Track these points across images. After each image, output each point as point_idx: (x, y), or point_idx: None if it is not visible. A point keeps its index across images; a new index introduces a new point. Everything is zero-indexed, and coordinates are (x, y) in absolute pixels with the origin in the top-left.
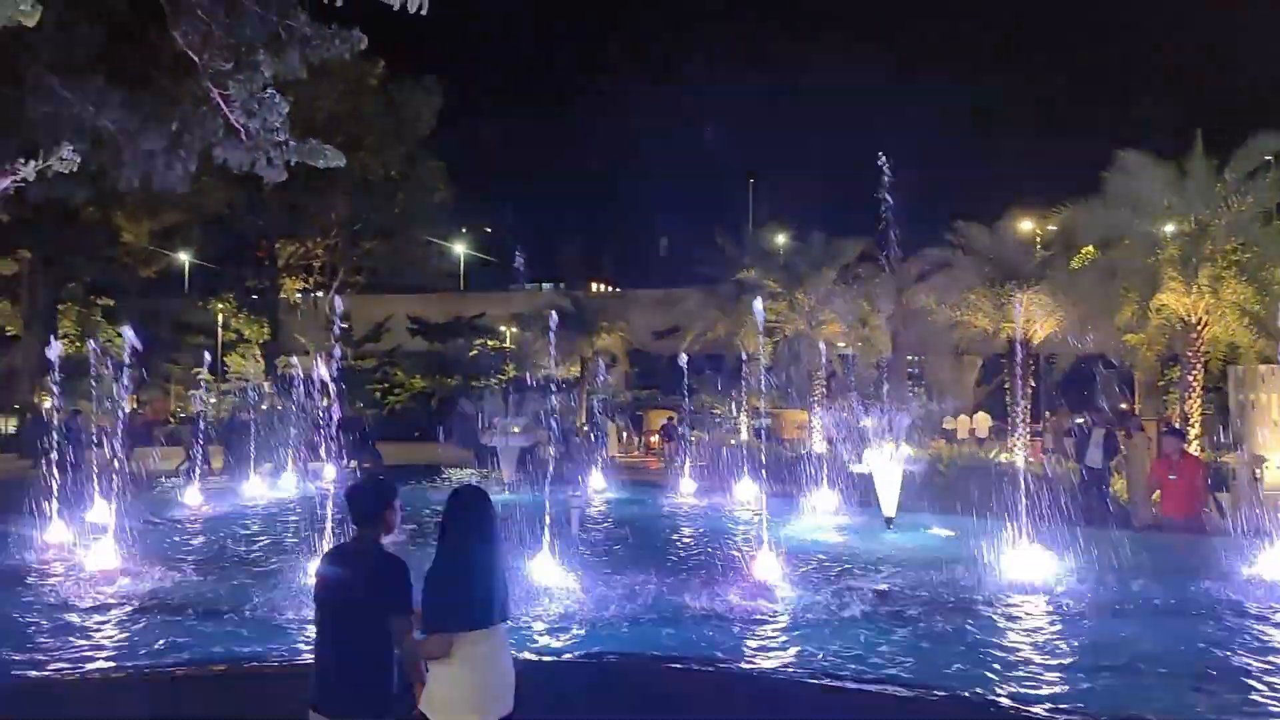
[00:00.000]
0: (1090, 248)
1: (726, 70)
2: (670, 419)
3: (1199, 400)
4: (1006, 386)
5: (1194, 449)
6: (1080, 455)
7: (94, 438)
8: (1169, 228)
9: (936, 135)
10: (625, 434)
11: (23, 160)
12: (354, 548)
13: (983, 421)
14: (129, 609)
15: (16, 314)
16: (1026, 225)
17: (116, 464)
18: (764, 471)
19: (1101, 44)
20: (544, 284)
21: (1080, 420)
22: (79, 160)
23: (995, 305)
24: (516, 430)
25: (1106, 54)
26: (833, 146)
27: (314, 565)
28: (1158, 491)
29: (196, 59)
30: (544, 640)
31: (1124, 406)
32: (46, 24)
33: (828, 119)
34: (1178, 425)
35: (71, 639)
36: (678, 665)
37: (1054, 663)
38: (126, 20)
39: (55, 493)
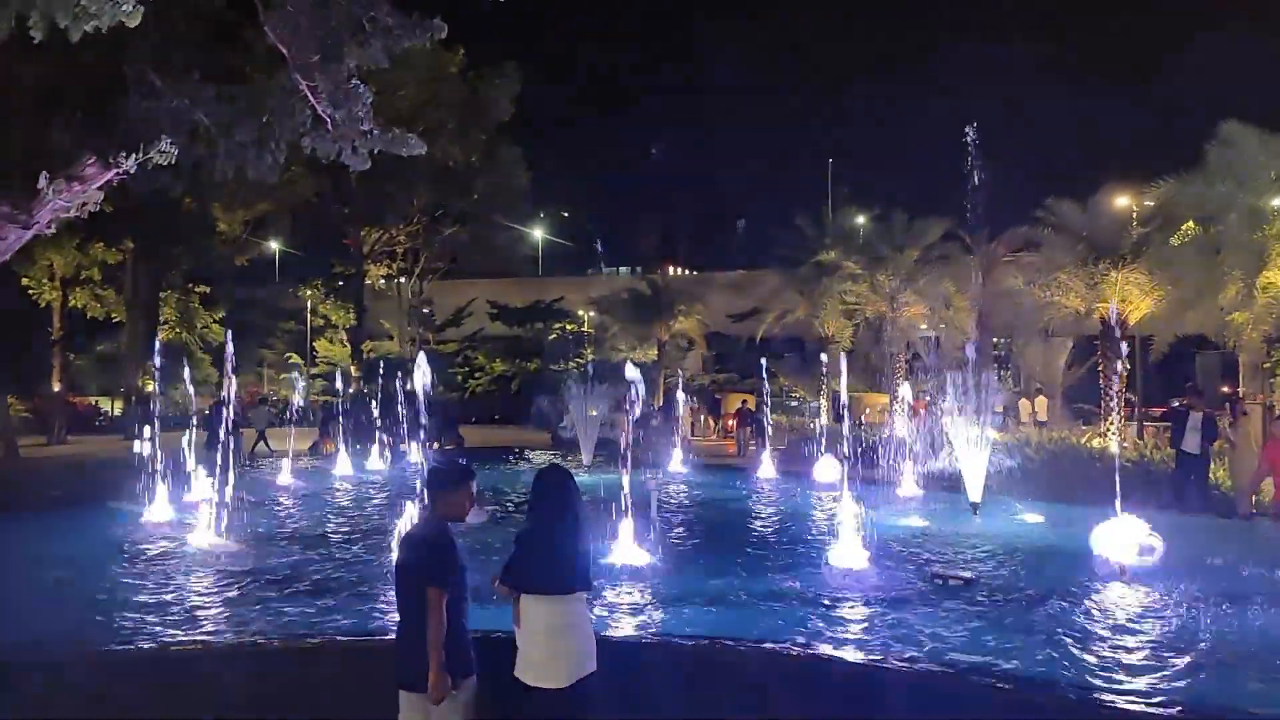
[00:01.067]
0: (1191, 224)
1: (807, 48)
2: (745, 403)
3: None
4: (1100, 369)
5: None
6: (1176, 440)
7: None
8: (1276, 201)
9: (1026, 111)
10: (703, 417)
11: (125, 154)
12: (418, 526)
13: (1041, 405)
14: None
15: (120, 301)
16: (1122, 201)
17: (263, 445)
18: (844, 455)
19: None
20: (621, 268)
21: (1177, 403)
22: (176, 153)
23: (1088, 285)
24: (594, 413)
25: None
26: (916, 126)
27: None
28: (1268, 479)
29: (285, 52)
30: (620, 619)
31: (1227, 390)
32: (146, 22)
33: (912, 96)
34: None
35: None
36: (753, 648)
37: (1144, 655)
38: (221, 17)
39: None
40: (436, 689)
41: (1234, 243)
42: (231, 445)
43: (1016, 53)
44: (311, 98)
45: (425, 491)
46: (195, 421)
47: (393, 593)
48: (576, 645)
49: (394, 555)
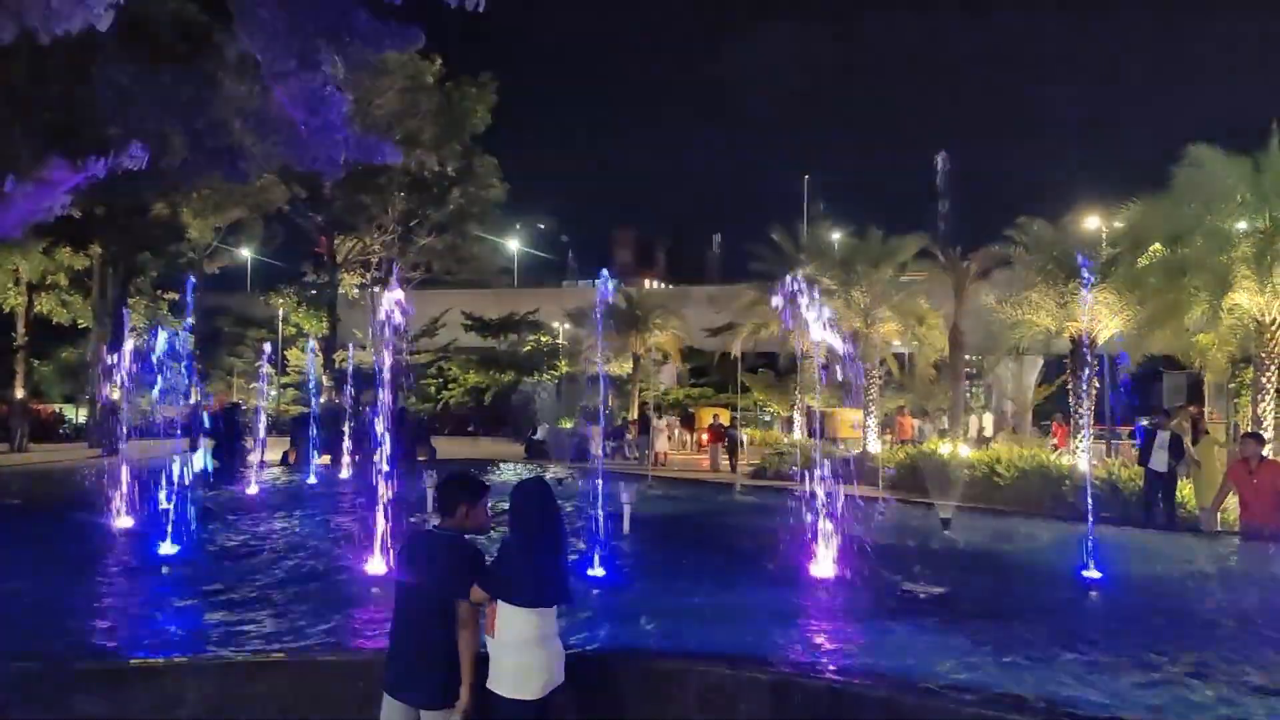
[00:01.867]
0: (1158, 245)
1: (781, 68)
2: (717, 418)
3: (1273, 404)
4: (1069, 387)
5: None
6: (1144, 458)
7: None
8: (1242, 224)
9: (997, 132)
10: (676, 431)
11: (94, 158)
12: (433, 534)
13: (989, 422)
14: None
15: (88, 307)
16: (1092, 222)
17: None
18: (818, 470)
19: (1172, 35)
20: (597, 281)
21: (1145, 422)
22: (147, 158)
23: (1059, 304)
24: (567, 426)
25: (1177, 46)
26: (891, 144)
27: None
28: (1230, 497)
29: (260, 58)
30: (587, 632)
31: (1192, 409)
32: (117, 27)
33: (886, 117)
34: (1249, 430)
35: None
36: (718, 662)
37: (1112, 669)
38: (193, 22)
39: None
40: (470, 704)
41: (1200, 264)
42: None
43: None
44: (286, 104)
45: (441, 502)
46: (187, 428)
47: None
48: (549, 658)
49: (401, 555)
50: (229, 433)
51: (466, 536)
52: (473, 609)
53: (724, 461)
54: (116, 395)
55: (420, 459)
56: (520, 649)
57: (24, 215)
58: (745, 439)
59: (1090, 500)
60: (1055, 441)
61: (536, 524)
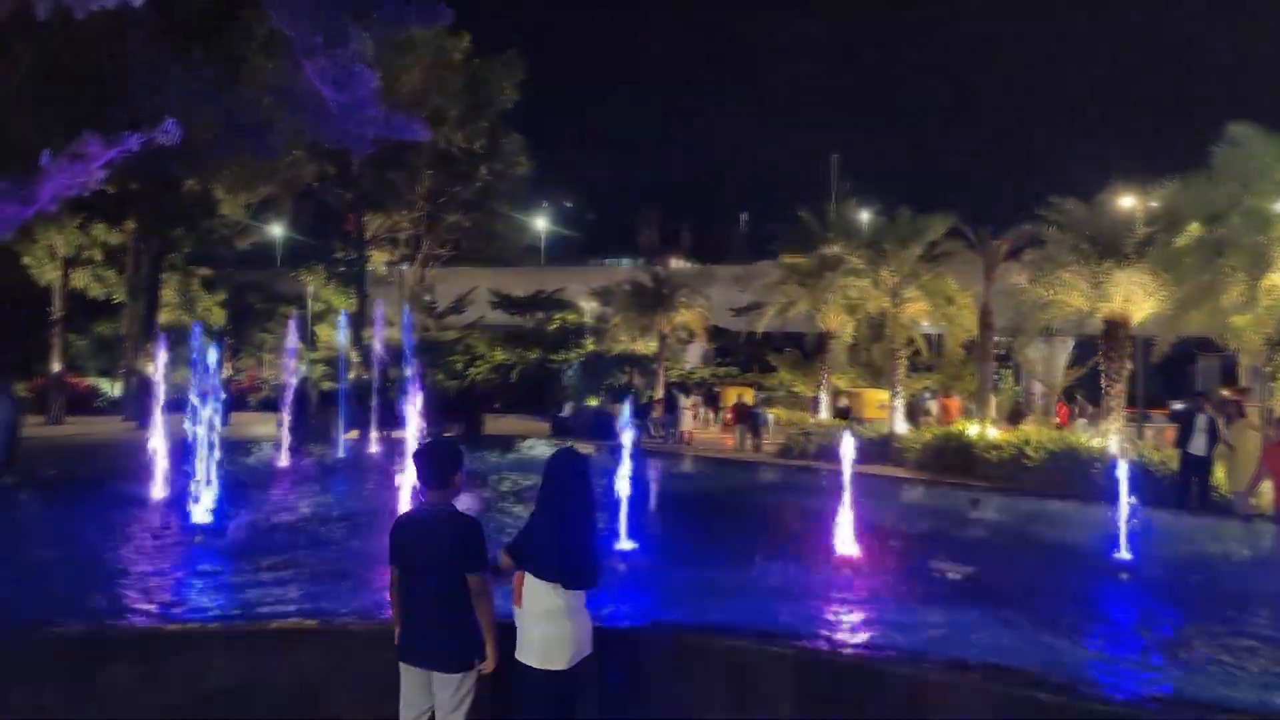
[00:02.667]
0: (1195, 225)
1: (810, 43)
2: (741, 398)
3: None
4: (1101, 369)
5: None
6: (1182, 441)
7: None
8: None
9: (1031, 109)
10: (701, 410)
11: (127, 133)
12: (429, 510)
13: (954, 405)
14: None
15: (122, 282)
16: (1127, 201)
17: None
18: (842, 451)
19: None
20: (623, 259)
21: (1181, 405)
22: (179, 133)
23: (1091, 284)
24: (593, 404)
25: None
26: (921, 122)
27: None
28: (1267, 481)
29: (289, 35)
30: (614, 607)
31: (1227, 392)
32: (149, 2)
33: (916, 94)
34: None
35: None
36: (744, 638)
37: (1139, 652)
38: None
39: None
40: (495, 664)
41: (1237, 245)
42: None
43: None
44: (315, 81)
45: (433, 472)
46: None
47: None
48: (577, 629)
49: (399, 536)
50: (300, 405)
51: (460, 509)
52: (484, 581)
53: (749, 442)
54: (151, 369)
55: (447, 434)
56: (547, 620)
57: (59, 190)
58: (771, 419)
59: (1121, 483)
60: (1058, 421)
61: (568, 497)
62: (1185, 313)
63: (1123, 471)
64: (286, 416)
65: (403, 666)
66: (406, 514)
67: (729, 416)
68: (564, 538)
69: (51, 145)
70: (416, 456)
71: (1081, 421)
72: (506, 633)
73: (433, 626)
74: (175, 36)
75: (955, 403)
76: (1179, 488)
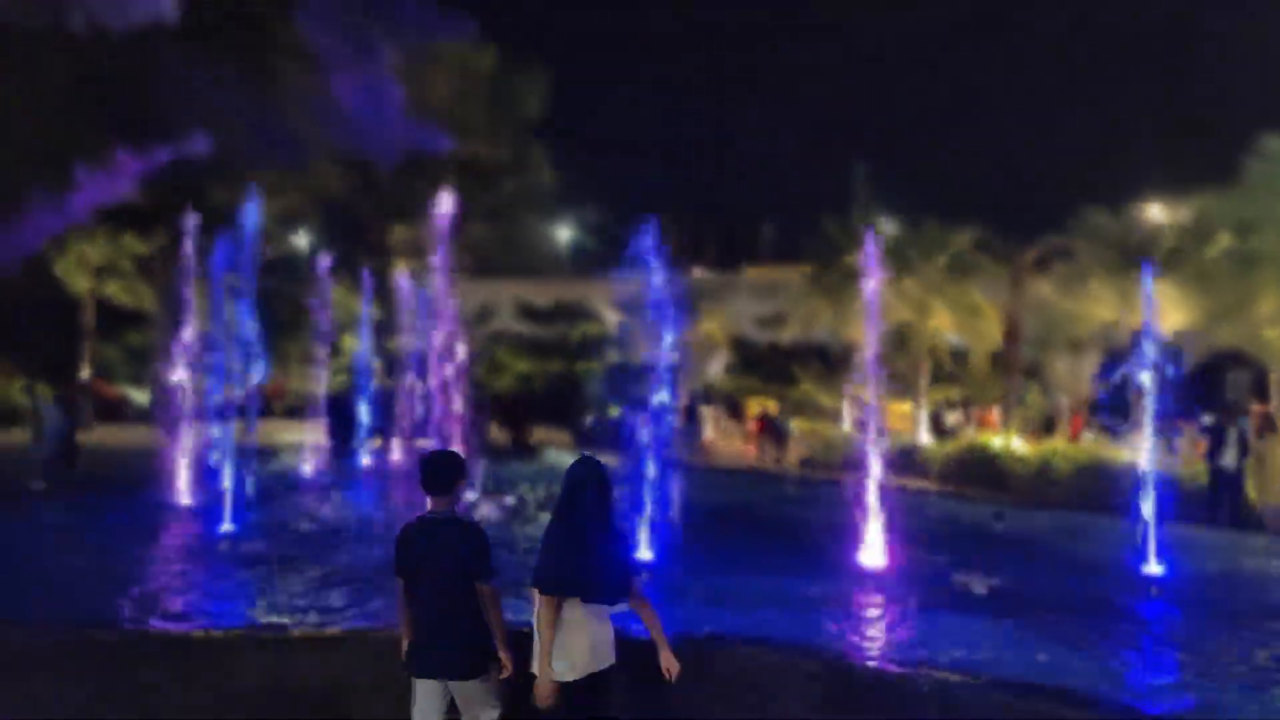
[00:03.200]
0: (1226, 237)
1: (834, 53)
2: (765, 409)
3: None
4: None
5: None
6: (1213, 455)
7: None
8: None
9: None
10: (721, 420)
11: (158, 146)
12: (433, 518)
13: (904, 413)
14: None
15: (152, 292)
16: (1156, 212)
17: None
18: (866, 463)
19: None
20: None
21: (1210, 419)
22: (209, 145)
23: (1119, 296)
24: (614, 413)
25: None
26: (946, 133)
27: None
28: None
29: (318, 48)
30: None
31: (1257, 406)
32: (180, 17)
33: (940, 104)
34: None
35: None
36: (767, 649)
37: (1166, 668)
38: (252, 13)
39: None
40: (511, 670)
41: (1270, 257)
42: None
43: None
44: (342, 93)
45: (439, 481)
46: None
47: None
48: (592, 640)
49: (405, 545)
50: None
51: (478, 516)
52: (494, 587)
53: (771, 454)
54: (180, 378)
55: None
56: (561, 629)
57: (92, 200)
58: (794, 430)
59: (1149, 496)
60: (1070, 433)
61: (592, 508)
62: (1216, 325)
63: (1151, 485)
64: (323, 424)
65: (414, 679)
66: (411, 523)
67: (752, 428)
68: (596, 551)
69: (84, 158)
70: (421, 465)
71: (1089, 436)
72: (523, 640)
73: (441, 635)
74: (206, 50)
75: (992, 416)
76: (1211, 502)
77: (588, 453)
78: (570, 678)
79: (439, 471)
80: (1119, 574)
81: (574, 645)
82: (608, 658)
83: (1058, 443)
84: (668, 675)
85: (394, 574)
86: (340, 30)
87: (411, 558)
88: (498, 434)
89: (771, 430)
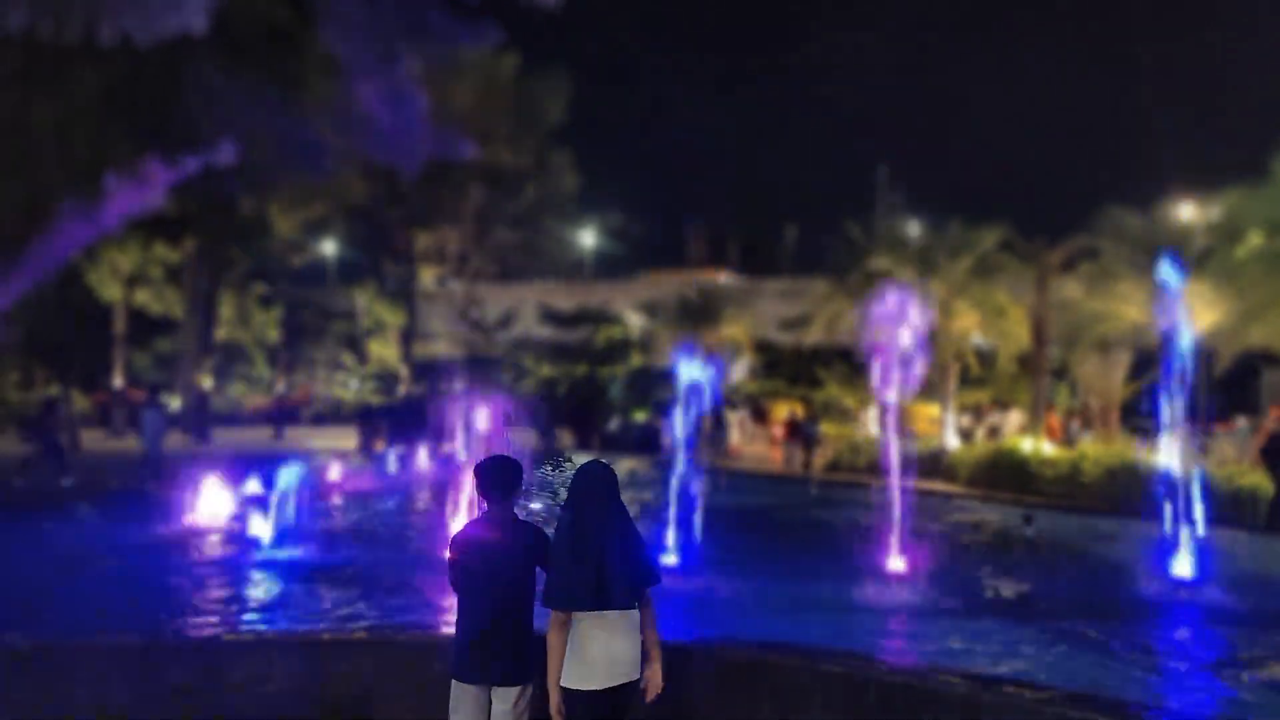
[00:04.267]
0: (1258, 235)
1: (858, 56)
2: (794, 414)
3: None
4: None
5: None
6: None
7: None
8: None
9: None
10: (747, 425)
11: (188, 155)
12: (492, 520)
13: (1015, 419)
14: None
15: (181, 300)
16: (1185, 211)
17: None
18: (894, 466)
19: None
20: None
21: (1243, 422)
22: (236, 155)
23: (1147, 295)
24: (640, 418)
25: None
26: (970, 133)
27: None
28: None
29: (343, 56)
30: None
31: None
32: (209, 28)
33: (965, 104)
34: None
35: None
36: (794, 655)
37: (1198, 676)
38: (277, 23)
39: None
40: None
41: None
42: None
43: (1077, 55)
44: (367, 101)
45: (503, 485)
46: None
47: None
48: (609, 652)
49: (462, 548)
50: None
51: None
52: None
53: (799, 458)
54: (208, 384)
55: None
56: (575, 637)
57: (123, 210)
58: (822, 434)
59: (1180, 500)
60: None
61: (594, 513)
62: (1248, 325)
63: (1183, 488)
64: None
65: (456, 684)
66: (468, 526)
67: (778, 432)
68: (589, 557)
69: (116, 168)
70: (480, 470)
71: (1083, 434)
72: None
73: (496, 639)
74: (233, 60)
75: (1056, 419)
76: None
77: (594, 457)
78: (588, 687)
79: (498, 476)
80: (1149, 578)
81: (592, 655)
82: (630, 672)
83: (1087, 446)
84: (643, 691)
85: (449, 577)
86: (364, 39)
87: (468, 560)
88: (564, 436)
89: (799, 434)
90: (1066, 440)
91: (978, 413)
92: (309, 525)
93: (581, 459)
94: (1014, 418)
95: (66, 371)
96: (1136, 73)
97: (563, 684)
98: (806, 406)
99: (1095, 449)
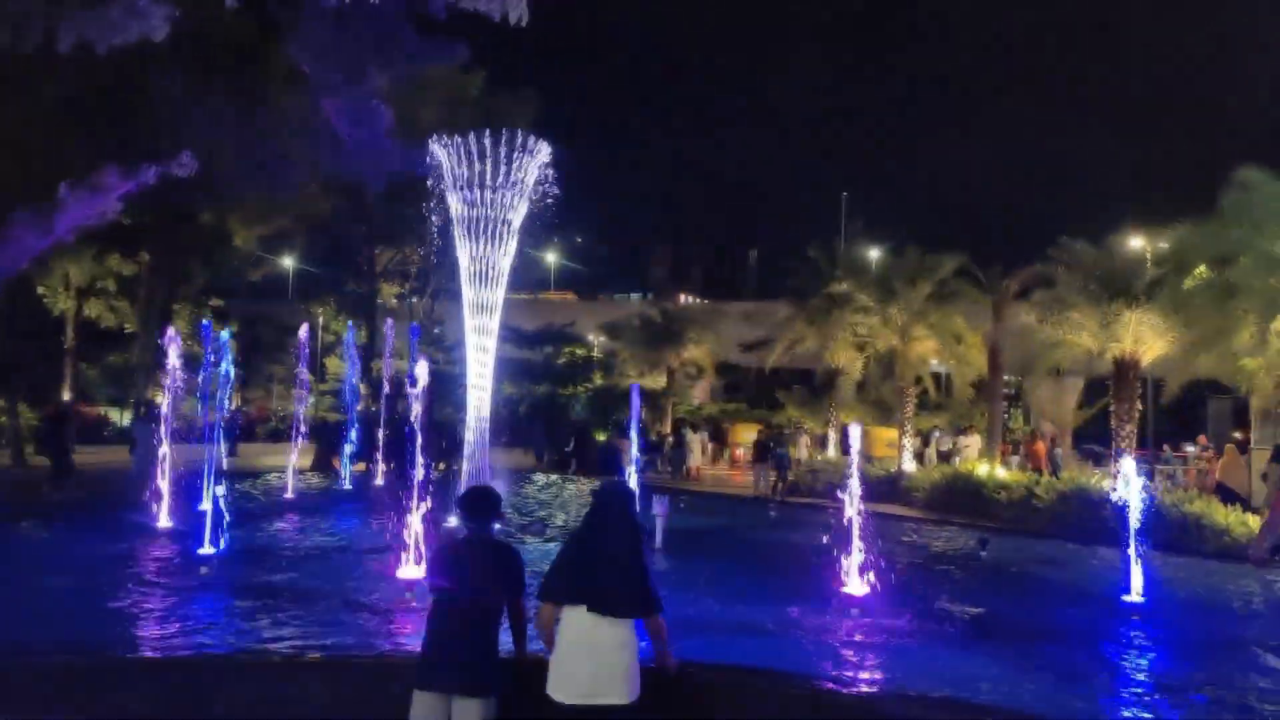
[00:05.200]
0: (1203, 268)
1: (820, 85)
2: (762, 433)
3: None
4: (1111, 410)
5: None
6: None
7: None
8: None
9: (1038, 150)
10: (707, 446)
11: (145, 165)
12: (473, 537)
13: (974, 444)
14: None
15: (134, 313)
16: (1137, 243)
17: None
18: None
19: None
20: (633, 294)
21: None
22: (196, 166)
23: (1101, 324)
24: (601, 438)
25: (1220, 64)
26: (929, 162)
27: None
28: None
29: (308, 71)
30: None
31: (1238, 435)
32: (170, 39)
33: (923, 134)
34: None
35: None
36: (754, 677)
37: (1150, 694)
38: (242, 36)
39: None
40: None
41: (1248, 287)
42: None
43: (1033, 91)
44: (332, 117)
45: (475, 514)
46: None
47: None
48: (587, 665)
49: (442, 559)
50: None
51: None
52: (524, 606)
53: (767, 481)
54: (160, 399)
55: (455, 468)
56: (560, 645)
57: (77, 220)
58: (794, 456)
59: (1131, 525)
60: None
61: (594, 522)
62: (1196, 354)
63: (1135, 514)
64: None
65: (417, 694)
66: (448, 539)
67: (738, 452)
68: (592, 557)
69: (71, 177)
70: (462, 501)
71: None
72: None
73: (460, 648)
74: (195, 71)
75: (1042, 446)
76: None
77: (614, 479)
78: (558, 698)
79: (477, 502)
80: (1100, 602)
81: (573, 665)
82: (615, 691)
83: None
84: (666, 669)
85: (429, 586)
86: (332, 55)
87: (446, 571)
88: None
89: (770, 456)
90: (1052, 468)
91: (925, 439)
92: (256, 542)
93: (542, 479)
94: (975, 442)
95: (13, 384)
96: (1092, 108)
97: (561, 698)
98: (770, 429)
99: (1048, 476)
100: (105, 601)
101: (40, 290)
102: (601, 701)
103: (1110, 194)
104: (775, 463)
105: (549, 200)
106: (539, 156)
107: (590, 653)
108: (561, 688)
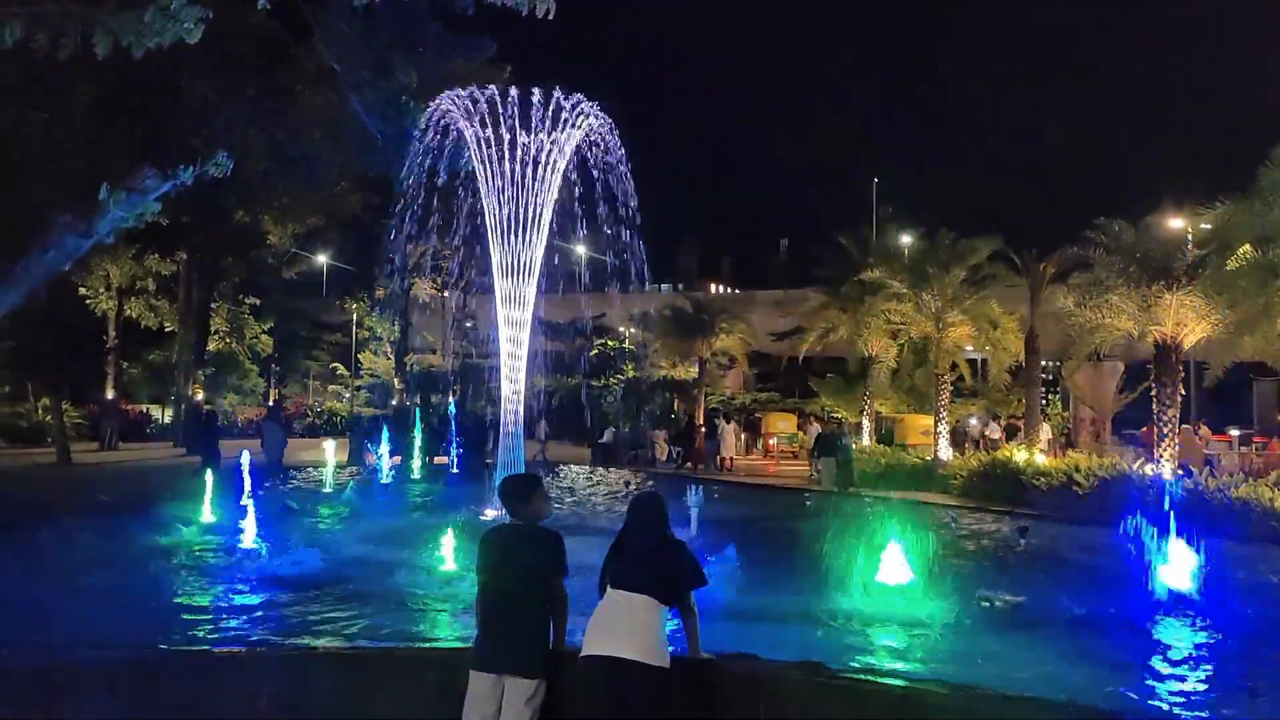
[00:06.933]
0: (1247, 247)
1: (854, 69)
2: (813, 422)
3: None
4: (1152, 394)
5: None
6: None
7: None
8: None
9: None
10: (742, 436)
11: (182, 166)
12: (514, 526)
13: (994, 431)
14: None
15: (173, 311)
16: (1177, 223)
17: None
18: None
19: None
20: (663, 285)
21: None
22: (231, 165)
23: (1141, 307)
24: (628, 428)
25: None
26: (963, 145)
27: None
28: None
29: (337, 69)
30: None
31: None
32: (203, 41)
33: (957, 116)
34: None
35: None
36: (792, 667)
37: (1190, 682)
38: (273, 37)
39: None
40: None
41: None
42: None
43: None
44: (362, 114)
45: (513, 498)
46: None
47: None
48: (595, 626)
49: (486, 545)
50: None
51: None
52: (564, 587)
53: (827, 475)
54: (201, 396)
55: (488, 461)
56: (594, 615)
57: (116, 222)
58: (855, 446)
59: (1172, 510)
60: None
61: (632, 529)
62: (1239, 336)
63: (1174, 499)
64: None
65: (473, 675)
66: (493, 527)
67: (771, 442)
68: (620, 548)
69: (110, 179)
70: (502, 486)
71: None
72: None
73: (510, 630)
74: (229, 73)
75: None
76: None
77: (649, 489)
78: (592, 652)
79: (514, 489)
80: (1141, 589)
81: (602, 623)
82: (625, 649)
83: (1080, 457)
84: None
85: (476, 572)
86: (361, 53)
87: (490, 556)
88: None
89: (831, 449)
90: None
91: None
92: (298, 536)
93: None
94: (1045, 432)
95: (59, 385)
96: (1129, 88)
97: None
98: (826, 422)
99: (1089, 460)
100: None
101: (82, 291)
102: (627, 655)
103: (1145, 175)
104: (842, 456)
105: (604, 166)
106: (580, 123)
107: (619, 615)
108: (591, 645)
